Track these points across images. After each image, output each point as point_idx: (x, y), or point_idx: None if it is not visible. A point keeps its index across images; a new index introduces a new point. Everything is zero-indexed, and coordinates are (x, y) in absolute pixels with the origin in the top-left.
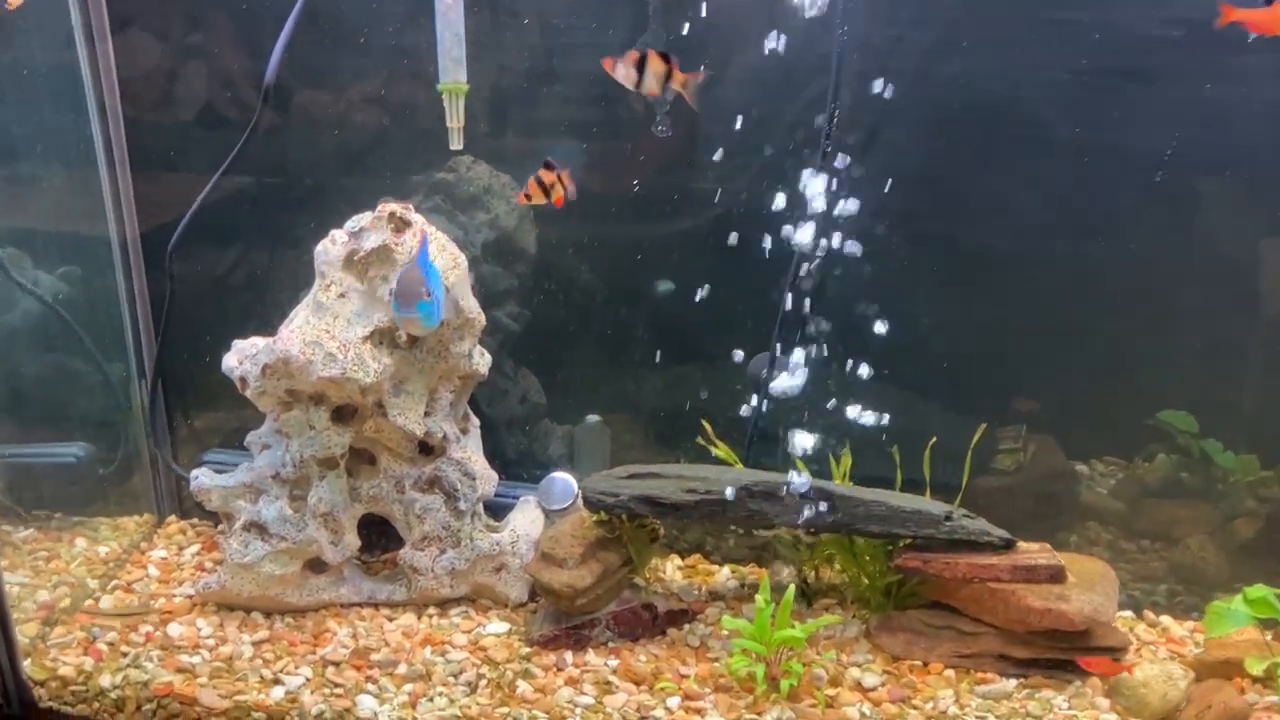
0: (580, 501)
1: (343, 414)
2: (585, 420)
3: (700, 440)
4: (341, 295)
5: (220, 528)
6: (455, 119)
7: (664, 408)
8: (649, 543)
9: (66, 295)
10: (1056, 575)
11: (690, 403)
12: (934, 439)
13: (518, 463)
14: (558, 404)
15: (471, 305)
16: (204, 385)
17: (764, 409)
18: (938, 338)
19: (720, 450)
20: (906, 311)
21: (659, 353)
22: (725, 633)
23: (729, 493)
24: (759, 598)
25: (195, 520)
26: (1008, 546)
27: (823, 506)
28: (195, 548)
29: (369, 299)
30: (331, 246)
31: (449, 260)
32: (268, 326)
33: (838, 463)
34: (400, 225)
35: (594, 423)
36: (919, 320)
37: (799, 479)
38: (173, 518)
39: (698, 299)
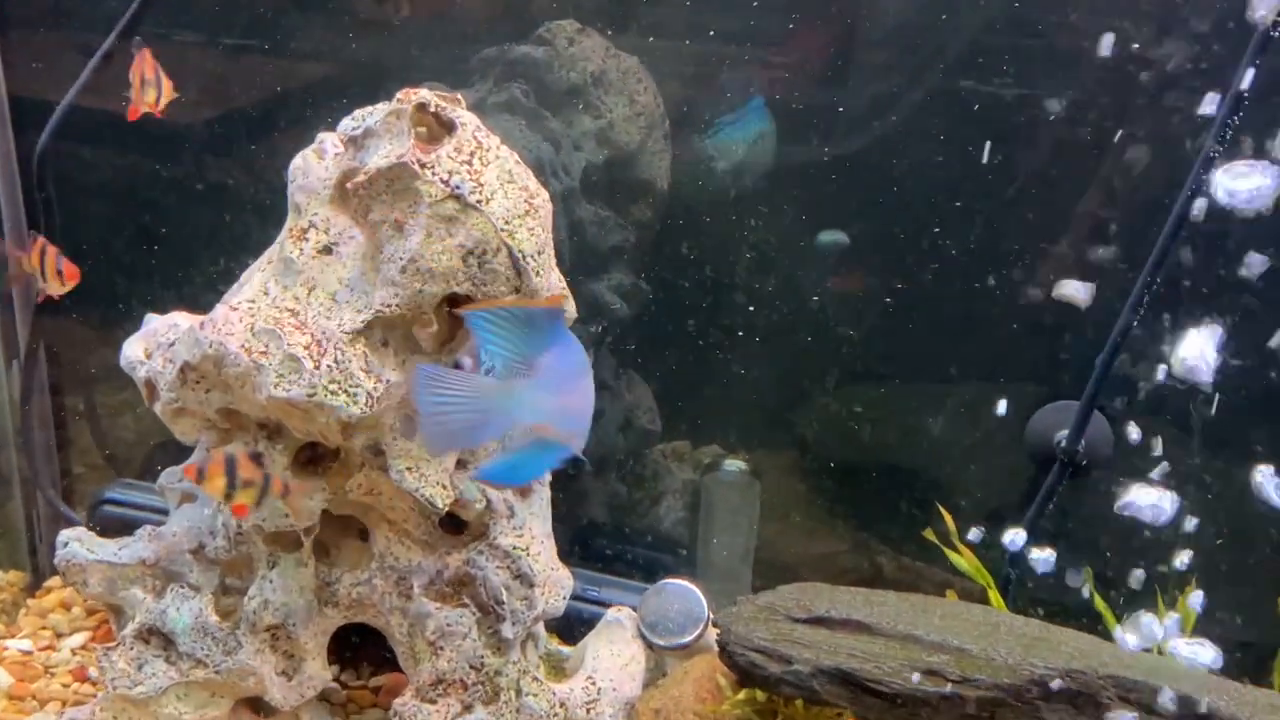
0: (709, 635)
1: (315, 458)
2: (722, 468)
3: (930, 535)
4: (325, 250)
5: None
6: None
7: (862, 465)
8: None
9: None
10: None
11: (910, 465)
12: None
13: (607, 533)
14: (680, 434)
15: (551, 283)
16: (113, 372)
17: (1051, 502)
18: None
19: (964, 562)
20: None
21: (862, 372)
22: None
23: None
24: None
25: None
26: None
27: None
28: (81, 637)
29: (371, 260)
30: (316, 162)
31: (516, 200)
32: (212, 290)
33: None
34: (436, 128)
35: (735, 473)
36: None
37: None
38: (55, 580)
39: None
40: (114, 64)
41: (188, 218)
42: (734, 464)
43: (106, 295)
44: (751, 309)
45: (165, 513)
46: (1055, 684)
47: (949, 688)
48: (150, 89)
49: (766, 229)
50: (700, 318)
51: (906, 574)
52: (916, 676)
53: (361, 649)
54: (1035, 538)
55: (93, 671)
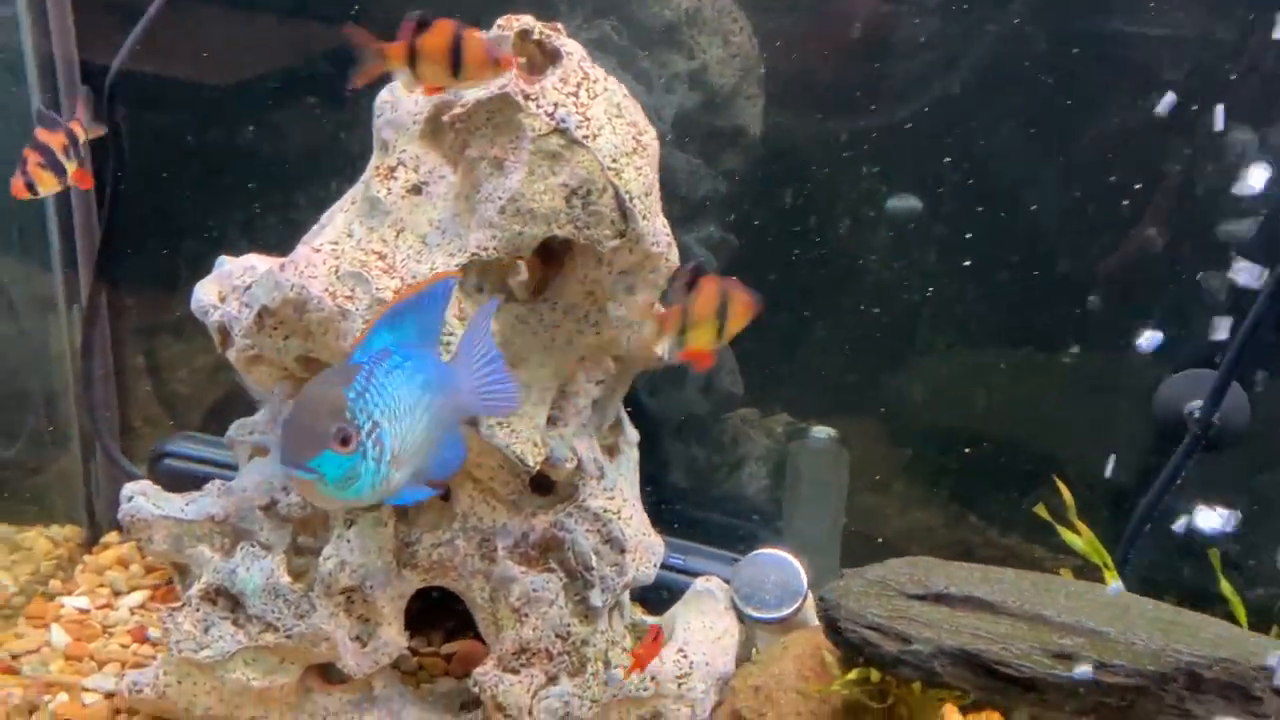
0: (808, 609)
1: None
2: (810, 435)
3: (1040, 511)
4: (415, 190)
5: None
6: None
7: (963, 432)
8: (937, 710)
9: None
10: None
11: (1015, 432)
12: None
13: (690, 500)
14: (765, 398)
15: (656, 228)
16: (177, 318)
17: (1180, 475)
18: None
19: (1083, 541)
20: None
21: (968, 335)
22: None
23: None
24: None
25: None
26: None
27: None
28: (139, 596)
29: (465, 201)
30: (405, 96)
31: (624, 136)
32: (286, 235)
33: None
34: (539, 57)
35: (824, 441)
36: None
37: None
38: (113, 535)
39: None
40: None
41: (261, 160)
42: (823, 431)
43: (174, 240)
44: (845, 268)
45: (229, 468)
46: (1206, 673)
47: (1087, 677)
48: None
49: (862, 183)
50: (790, 274)
51: (996, 551)
52: (1048, 662)
53: (433, 614)
54: (1157, 512)
55: (152, 632)
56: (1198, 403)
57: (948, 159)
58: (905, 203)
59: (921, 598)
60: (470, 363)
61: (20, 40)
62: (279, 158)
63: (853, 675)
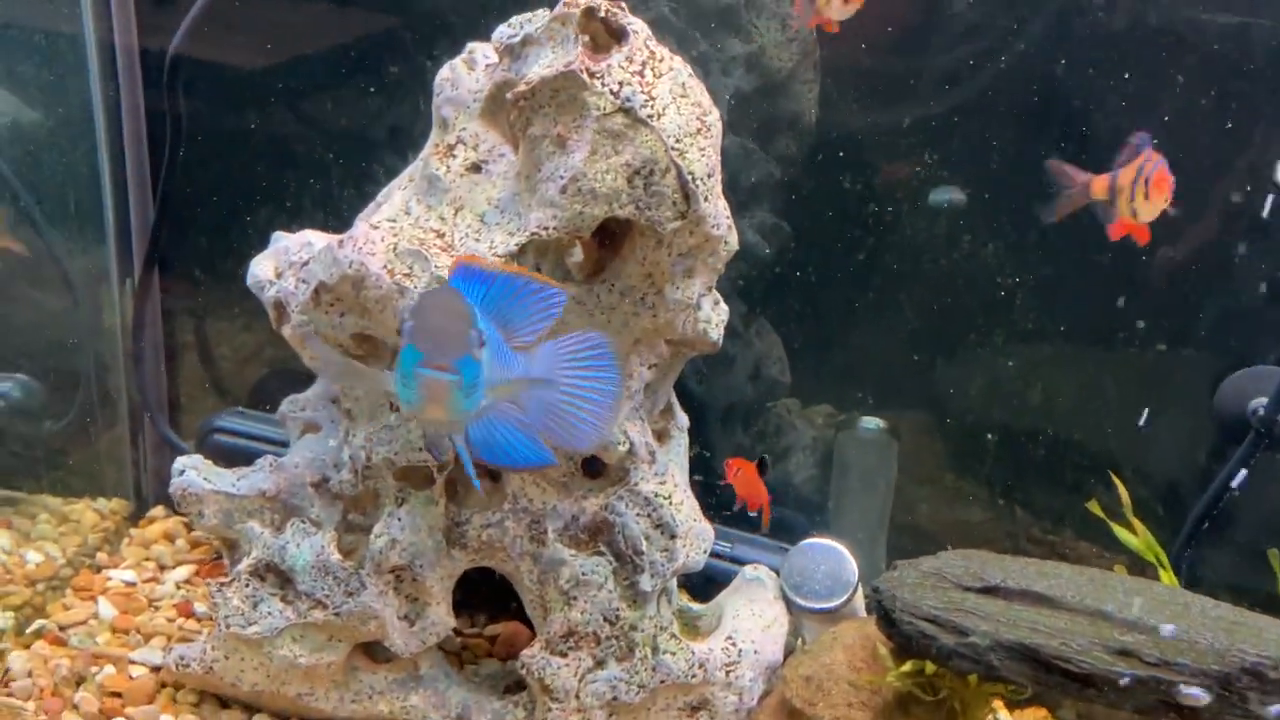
0: (857, 600)
1: None
2: (859, 425)
3: (1093, 507)
4: (474, 168)
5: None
6: None
7: (1015, 427)
8: (988, 704)
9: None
10: None
11: (1068, 428)
12: None
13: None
14: (812, 387)
15: (717, 210)
16: (229, 294)
17: (1240, 475)
18: None
19: (1135, 538)
20: None
21: (1017, 328)
22: None
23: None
24: None
25: None
26: None
27: None
28: (185, 571)
29: (525, 180)
30: (466, 74)
31: (688, 116)
32: (342, 212)
33: None
34: (604, 36)
35: (873, 431)
36: None
37: None
38: (159, 510)
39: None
40: None
41: (318, 128)
42: (872, 421)
43: (218, 206)
44: (899, 259)
45: (280, 444)
46: (1272, 674)
47: (1146, 673)
48: None
49: (919, 172)
50: (842, 263)
51: (1040, 548)
52: (1108, 659)
53: (475, 596)
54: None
55: (199, 607)
56: (1262, 400)
57: (1004, 148)
58: (945, 195)
59: (977, 590)
60: (550, 365)
61: (82, 26)
62: (334, 138)
63: (906, 667)
